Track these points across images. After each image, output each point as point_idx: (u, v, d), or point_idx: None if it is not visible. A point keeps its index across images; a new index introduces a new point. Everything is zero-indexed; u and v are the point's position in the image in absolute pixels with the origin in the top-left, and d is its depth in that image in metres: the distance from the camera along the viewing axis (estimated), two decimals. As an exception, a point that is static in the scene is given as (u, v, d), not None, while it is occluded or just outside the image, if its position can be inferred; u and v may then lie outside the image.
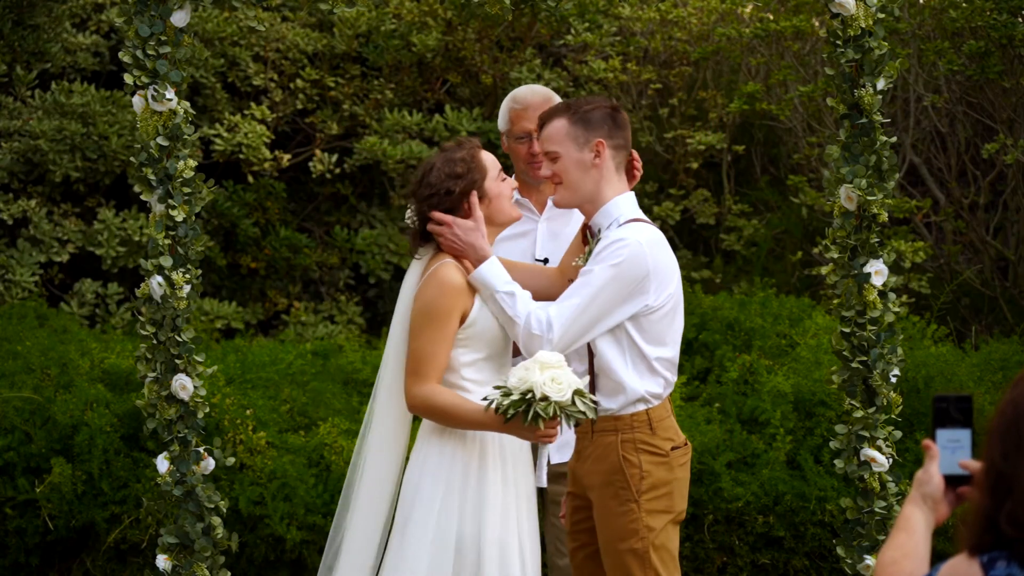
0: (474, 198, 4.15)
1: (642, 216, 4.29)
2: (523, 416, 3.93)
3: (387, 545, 4.16)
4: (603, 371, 4.19)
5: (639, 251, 4.12)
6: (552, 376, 3.93)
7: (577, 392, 3.96)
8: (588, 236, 4.33)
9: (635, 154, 4.35)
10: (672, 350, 4.24)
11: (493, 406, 3.96)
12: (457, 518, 4.08)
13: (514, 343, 4.24)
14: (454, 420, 4.09)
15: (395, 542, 4.13)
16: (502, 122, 5.07)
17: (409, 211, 4.25)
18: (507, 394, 3.95)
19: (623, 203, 4.26)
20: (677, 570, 4.27)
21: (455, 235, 4.14)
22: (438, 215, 4.16)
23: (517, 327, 4.07)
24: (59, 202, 8.08)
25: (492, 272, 4.12)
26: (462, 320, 4.11)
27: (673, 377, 4.26)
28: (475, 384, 4.14)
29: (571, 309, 4.07)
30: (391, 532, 4.17)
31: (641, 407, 4.17)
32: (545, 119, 4.30)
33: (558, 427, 4.00)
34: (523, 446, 4.23)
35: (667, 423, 4.22)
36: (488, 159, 4.25)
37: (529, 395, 3.93)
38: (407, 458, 4.26)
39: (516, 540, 4.14)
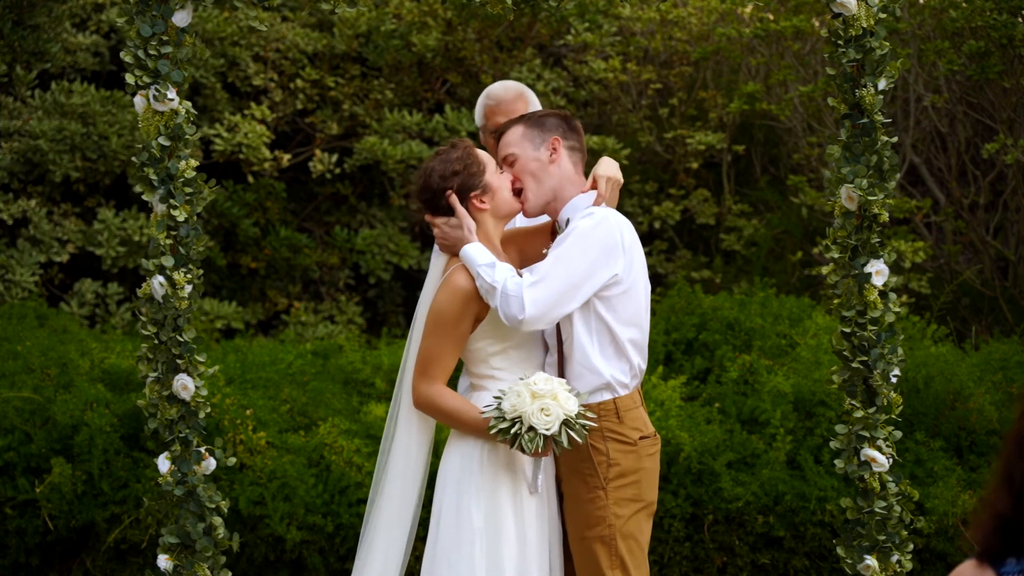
0: (453, 198, 4.27)
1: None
2: (510, 442, 4.06)
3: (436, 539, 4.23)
4: (571, 355, 4.26)
5: (609, 223, 4.24)
6: (542, 407, 4.05)
7: (566, 422, 4.06)
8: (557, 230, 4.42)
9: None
10: (642, 332, 4.32)
11: (488, 425, 4.09)
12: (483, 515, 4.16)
13: (543, 335, 4.35)
14: (456, 424, 4.23)
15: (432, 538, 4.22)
16: (478, 117, 5.18)
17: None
18: (499, 417, 4.08)
19: (590, 199, 4.37)
20: (645, 562, 4.30)
21: (444, 233, 4.29)
22: (428, 217, 4.34)
23: (496, 292, 4.14)
24: (59, 202, 8.08)
25: (476, 250, 4.22)
26: (478, 321, 4.22)
27: (642, 363, 4.33)
28: (504, 372, 4.26)
29: (546, 277, 4.15)
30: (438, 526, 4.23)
31: (608, 395, 4.23)
32: (503, 129, 4.45)
33: (550, 450, 4.12)
34: None
35: (635, 413, 4.28)
36: (484, 155, 4.38)
37: (516, 424, 4.05)
38: (429, 459, 4.37)
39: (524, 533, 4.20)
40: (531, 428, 4.04)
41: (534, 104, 5.13)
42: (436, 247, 4.43)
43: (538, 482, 4.22)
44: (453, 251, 4.28)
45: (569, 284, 4.16)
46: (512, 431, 4.05)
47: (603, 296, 4.22)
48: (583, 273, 4.18)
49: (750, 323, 6.79)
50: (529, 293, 4.11)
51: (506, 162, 4.39)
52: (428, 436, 4.35)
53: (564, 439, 4.07)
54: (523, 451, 4.07)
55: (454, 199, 4.27)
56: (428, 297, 4.34)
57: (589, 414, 4.15)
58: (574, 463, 4.24)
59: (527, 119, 4.43)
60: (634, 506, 4.25)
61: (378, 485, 4.35)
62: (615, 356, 4.26)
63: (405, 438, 4.33)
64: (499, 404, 4.11)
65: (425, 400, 4.23)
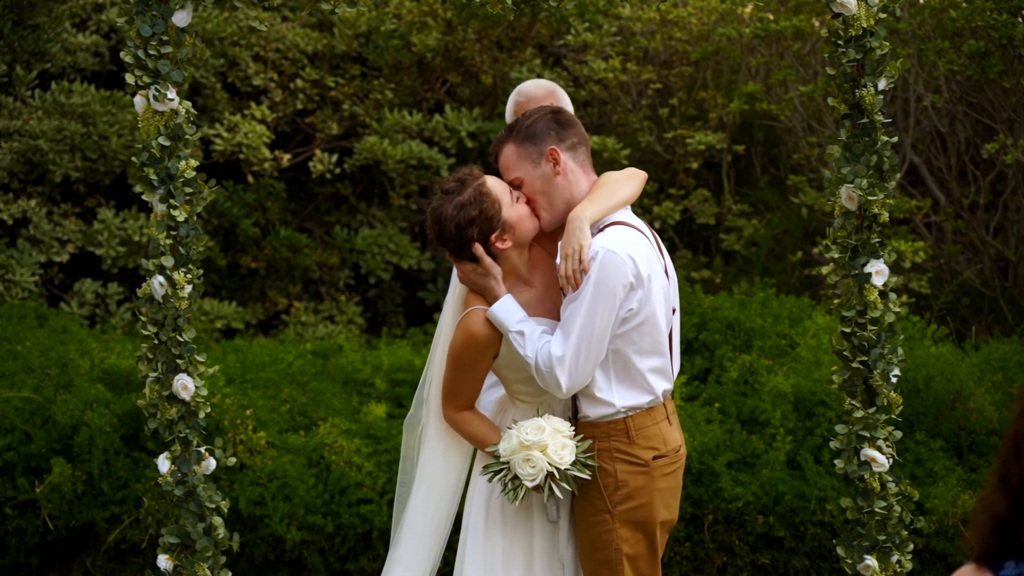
0: (478, 249, 4.11)
1: (619, 218, 4.24)
2: (501, 486, 4.12)
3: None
4: (585, 389, 4.15)
5: (613, 260, 4.04)
6: (527, 458, 4.05)
7: (551, 475, 4.04)
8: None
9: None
10: (663, 357, 4.19)
11: (483, 466, 4.17)
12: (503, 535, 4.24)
13: None
14: (481, 448, 4.27)
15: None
16: (508, 115, 5.12)
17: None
18: (497, 456, 4.12)
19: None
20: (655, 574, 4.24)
21: (468, 279, 4.19)
22: (451, 258, 4.21)
23: (530, 367, 4.09)
24: (59, 202, 8.08)
25: (504, 311, 4.11)
26: (497, 355, 4.20)
27: (666, 384, 4.22)
28: (527, 396, 4.25)
29: (573, 347, 4.03)
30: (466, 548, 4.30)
31: (619, 416, 4.15)
32: (495, 151, 4.26)
33: None
34: None
35: (651, 431, 4.17)
36: (496, 186, 4.18)
37: (504, 470, 4.09)
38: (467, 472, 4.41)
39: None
40: (515, 477, 4.06)
41: (564, 102, 5.05)
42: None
43: (556, 510, 4.19)
44: (478, 292, 4.18)
45: (595, 340, 4.03)
46: (500, 474, 4.09)
47: (618, 332, 4.08)
48: (604, 324, 4.04)
49: (750, 323, 6.79)
50: (560, 368, 4.01)
51: (512, 185, 4.20)
52: (461, 449, 4.35)
53: (546, 492, 4.06)
54: (508, 495, 4.09)
55: (479, 250, 4.11)
56: (449, 317, 4.31)
57: (590, 461, 4.10)
58: (582, 484, 4.16)
59: (515, 133, 4.21)
60: (644, 528, 4.16)
61: (404, 498, 4.36)
62: (632, 387, 4.14)
63: (432, 450, 4.33)
64: (519, 423, 4.13)
65: (452, 423, 4.29)
